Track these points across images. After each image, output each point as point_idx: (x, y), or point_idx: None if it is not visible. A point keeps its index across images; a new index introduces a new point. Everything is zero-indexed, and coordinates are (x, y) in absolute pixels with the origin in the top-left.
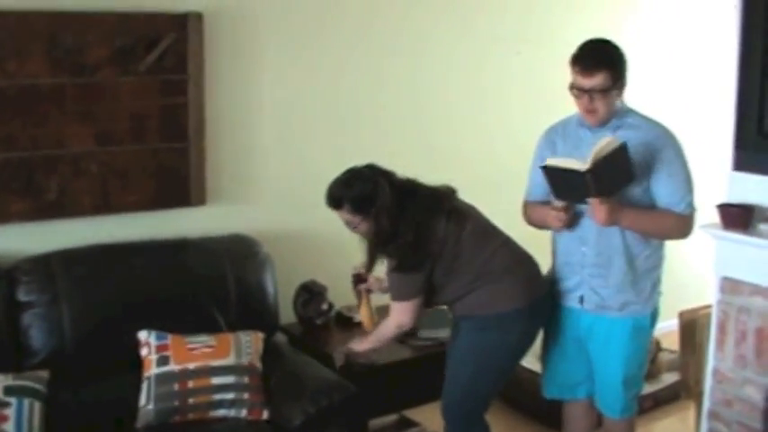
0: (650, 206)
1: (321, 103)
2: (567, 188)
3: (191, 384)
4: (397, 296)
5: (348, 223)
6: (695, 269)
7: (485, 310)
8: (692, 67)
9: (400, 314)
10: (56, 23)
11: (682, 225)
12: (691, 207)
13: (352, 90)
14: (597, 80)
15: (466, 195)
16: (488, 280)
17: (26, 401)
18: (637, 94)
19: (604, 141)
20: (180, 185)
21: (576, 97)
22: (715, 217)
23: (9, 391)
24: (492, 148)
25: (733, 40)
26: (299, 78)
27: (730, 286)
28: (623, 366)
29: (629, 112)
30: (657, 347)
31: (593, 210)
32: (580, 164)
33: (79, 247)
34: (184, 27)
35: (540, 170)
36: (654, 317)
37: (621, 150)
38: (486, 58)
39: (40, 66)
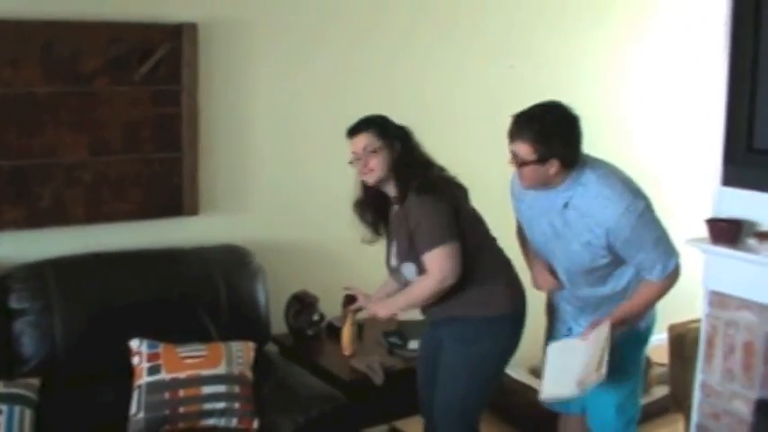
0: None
1: (315, 113)
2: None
3: (181, 393)
4: (431, 242)
5: (365, 149)
6: (685, 283)
7: (477, 311)
8: (682, 84)
9: (441, 261)
10: (51, 32)
11: (663, 287)
12: (668, 267)
13: (347, 101)
14: (517, 148)
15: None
16: (482, 274)
17: (17, 409)
18: (630, 109)
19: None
20: (173, 195)
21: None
22: (704, 231)
23: (0, 398)
24: (486, 162)
25: (722, 56)
26: (292, 89)
27: (718, 300)
28: (615, 380)
29: (583, 176)
30: (648, 363)
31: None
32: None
33: (72, 255)
34: (179, 37)
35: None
36: (651, 325)
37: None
38: (480, 73)
39: (35, 74)
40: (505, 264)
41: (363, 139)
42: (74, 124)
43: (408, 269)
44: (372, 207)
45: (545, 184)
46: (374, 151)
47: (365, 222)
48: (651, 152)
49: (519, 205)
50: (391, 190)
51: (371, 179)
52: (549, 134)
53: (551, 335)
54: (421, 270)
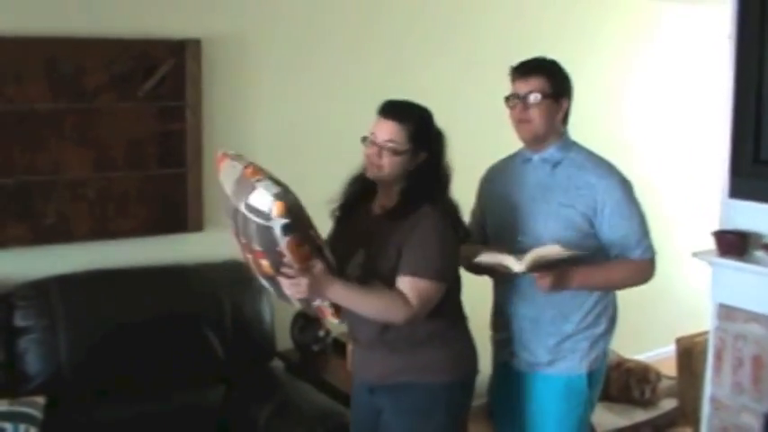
0: (594, 253)
1: (318, 129)
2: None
3: None
4: (427, 270)
5: (387, 141)
6: (692, 295)
7: (435, 376)
8: (687, 95)
9: (425, 297)
10: (55, 49)
11: (640, 272)
12: (650, 251)
13: (350, 116)
14: (533, 84)
15: None
16: (447, 327)
17: (22, 427)
18: (633, 122)
19: (550, 250)
20: (177, 211)
21: (512, 108)
22: (711, 244)
23: (4, 416)
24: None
25: (728, 67)
26: (296, 104)
27: (726, 313)
28: (553, 430)
29: (573, 145)
30: (658, 377)
31: (536, 282)
32: (515, 263)
33: (76, 272)
34: (182, 54)
35: (474, 264)
36: (593, 379)
37: (568, 258)
38: (480, 82)
39: (39, 91)
40: (464, 314)
41: (391, 130)
42: (78, 141)
43: None
44: (361, 191)
45: (549, 130)
46: (395, 152)
47: (346, 194)
48: (655, 165)
49: (490, 187)
50: (390, 196)
51: (373, 174)
52: (560, 73)
53: (495, 361)
54: None
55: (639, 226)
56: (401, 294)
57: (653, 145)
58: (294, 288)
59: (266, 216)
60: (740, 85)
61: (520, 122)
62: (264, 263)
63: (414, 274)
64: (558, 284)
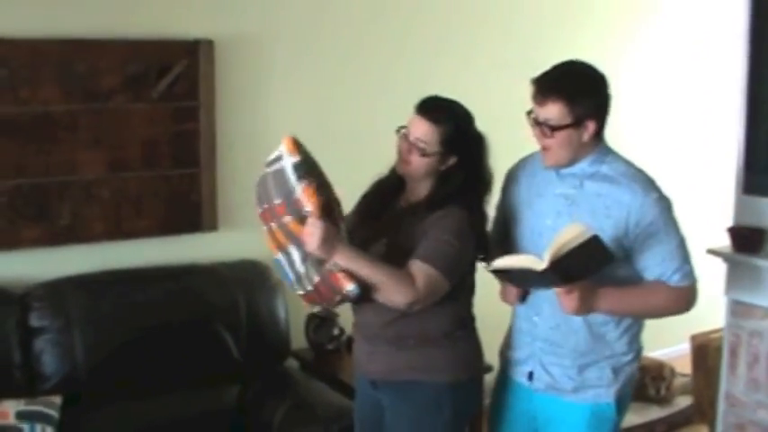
0: (626, 279)
1: (332, 129)
2: (526, 280)
3: None
4: (437, 260)
5: (418, 139)
6: (706, 292)
7: (443, 374)
8: (701, 92)
9: (431, 285)
10: (68, 51)
11: (678, 299)
12: (689, 278)
13: (364, 116)
14: (549, 111)
15: None
16: (458, 326)
17: (38, 427)
18: (647, 118)
19: (570, 233)
20: (191, 211)
21: (532, 127)
22: (725, 240)
23: (21, 416)
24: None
25: (742, 64)
26: (309, 105)
27: (741, 309)
28: None
29: (609, 155)
30: (673, 374)
31: (560, 300)
32: (536, 261)
33: (91, 272)
34: (196, 54)
35: (492, 272)
36: (621, 403)
37: (592, 242)
38: (493, 85)
39: (53, 93)
40: (473, 315)
41: (424, 130)
42: (92, 142)
43: None
44: (389, 185)
45: (575, 156)
46: (423, 153)
47: (374, 186)
48: (666, 160)
49: (514, 188)
50: (417, 192)
51: (401, 169)
52: (584, 91)
53: (505, 378)
54: None
55: (678, 249)
56: (410, 275)
57: (664, 141)
58: (311, 235)
59: (279, 158)
60: (755, 81)
61: (541, 148)
62: (288, 219)
63: (428, 261)
64: (586, 303)
